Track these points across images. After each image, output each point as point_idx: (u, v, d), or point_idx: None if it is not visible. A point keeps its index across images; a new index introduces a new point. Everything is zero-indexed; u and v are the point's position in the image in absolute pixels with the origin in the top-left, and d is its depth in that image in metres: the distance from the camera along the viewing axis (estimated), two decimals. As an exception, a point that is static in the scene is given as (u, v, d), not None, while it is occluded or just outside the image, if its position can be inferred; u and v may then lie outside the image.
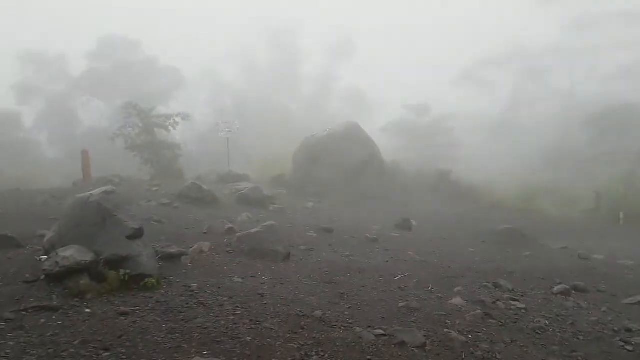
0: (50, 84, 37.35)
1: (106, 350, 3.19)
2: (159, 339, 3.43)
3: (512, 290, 6.14)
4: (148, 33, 43.81)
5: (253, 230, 7.07)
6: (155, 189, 12.52)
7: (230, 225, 8.19)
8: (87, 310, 3.87)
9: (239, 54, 45.29)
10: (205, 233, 7.78)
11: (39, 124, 36.37)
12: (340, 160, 17.68)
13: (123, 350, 3.21)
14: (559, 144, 37.97)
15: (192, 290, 4.58)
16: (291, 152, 20.15)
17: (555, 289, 6.29)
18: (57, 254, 4.31)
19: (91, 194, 4.81)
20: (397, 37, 53.56)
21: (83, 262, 4.25)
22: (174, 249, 5.71)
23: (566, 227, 14.81)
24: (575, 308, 5.64)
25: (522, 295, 5.98)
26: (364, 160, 18.03)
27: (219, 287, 4.80)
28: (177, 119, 17.61)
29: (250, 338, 3.55)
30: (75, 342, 3.27)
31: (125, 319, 3.72)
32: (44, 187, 14.32)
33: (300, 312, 4.26)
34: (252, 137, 35.78)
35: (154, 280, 4.52)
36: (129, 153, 16.80)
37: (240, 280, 5.26)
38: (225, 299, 4.46)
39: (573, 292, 6.27)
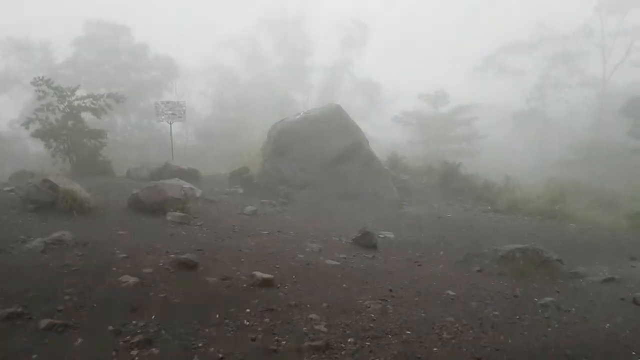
0: (34, 73, 35.21)
1: None
2: None
3: None
4: (145, 23, 41.21)
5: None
6: (7, 189, 9.21)
7: None
8: None
9: (243, 43, 42.18)
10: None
11: (23, 116, 34.24)
12: (316, 151, 14.10)
13: None
14: (592, 136, 33.37)
15: None
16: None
17: None
18: None
19: None
20: (413, 25, 49.31)
21: None
22: None
23: (605, 240, 10.83)
24: None
25: None
26: (346, 151, 14.39)
27: None
28: (108, 101, 14.24)
29: None
30: None
31: None
32: None
33: None
34: (248, 129, 32.61)
35: None
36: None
37: None
38: None
39: None
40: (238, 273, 5.54)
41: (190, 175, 13.89)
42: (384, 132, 36.89)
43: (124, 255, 5.74)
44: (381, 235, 9.46)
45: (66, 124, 13.52)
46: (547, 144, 36.79)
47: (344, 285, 5.64)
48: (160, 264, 5.49)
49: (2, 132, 28.77)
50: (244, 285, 5.14)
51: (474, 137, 34.21)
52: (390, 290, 5.61)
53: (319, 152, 14.16)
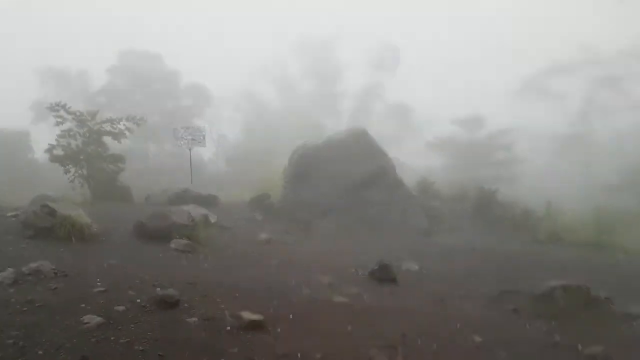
0: (71, 101, 36.48)
1: None
2: None
3: None
4: (176, 51, 42.42)
5: None
6: (10, 214, 8.87)
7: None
8: None
9: (273, 70, 42.54)
10: None
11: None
12: (338, 176, 13.41)
13: None
14: (641, 160, 31.11)
15: None
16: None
17: None
18: None
19: None
20: (447, 46, 48.45)
21: None
22: None
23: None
24: None
25: None
26: (371, 176, 13.62)
27: None
28: (127, 124, 14.06)
29: None
30: None
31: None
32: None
33: None
34: (277, 156, 32.36)
35: None
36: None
37: None
38: None
39: None
40: (226, 312, 4.80)
41: (209, 201, 13.44)
42: (417, 158, 35.88)
43: (103, 289, 5.13)
44: (404, 268, 8.54)
45: (85, 148, 13.42)
46: (592, 168, 34.66)
47: (349, 328, 4.80)
48: (138, 301, 4.84)
49: (38, 159, 29.61)
50: (227, 328, 4.40)
51: (512, 162, 32.59)
52: (404, 335, 4.72)
53: (341, 177, 13.46)
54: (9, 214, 8.87)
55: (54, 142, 13.41)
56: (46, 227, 7.39)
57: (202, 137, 14.84)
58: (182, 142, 14.71)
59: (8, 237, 7.34)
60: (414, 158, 35.71)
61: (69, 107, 13.41)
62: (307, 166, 13.86)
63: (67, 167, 13.14)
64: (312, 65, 40.26)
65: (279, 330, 4.54)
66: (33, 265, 5.56)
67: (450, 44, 48.69)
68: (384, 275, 7.07)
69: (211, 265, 7.33)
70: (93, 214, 10.03)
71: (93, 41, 43.98)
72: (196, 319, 4.52)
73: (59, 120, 13.33)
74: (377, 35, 46.80)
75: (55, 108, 13.26)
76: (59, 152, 13.31)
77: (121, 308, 4.57)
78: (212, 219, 11.19)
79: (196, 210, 10.97)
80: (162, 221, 8.30)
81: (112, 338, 3.91)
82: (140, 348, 3.81)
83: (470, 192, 18.73)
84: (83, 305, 4.57)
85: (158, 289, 5.17)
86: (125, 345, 3.82)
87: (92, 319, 4.16)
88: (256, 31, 51.52)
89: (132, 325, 4.21)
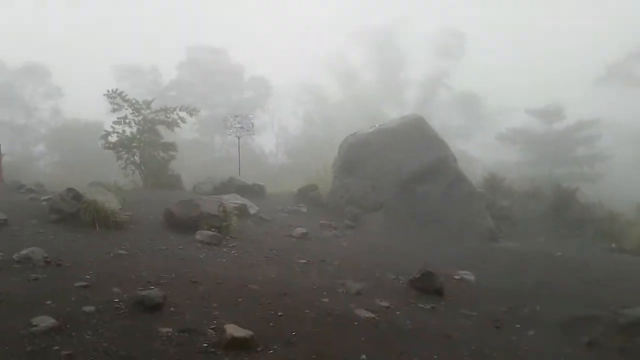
0: (144, 95, 37.94)
1: None
2: None
3: None
4: (241, 44, 42.73)
5: None
6: (44, 197, 8.62)
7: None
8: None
9: (335, 60, 41.62)
10: None
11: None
12: (391, 168, 12.16)
13: None
14: None
15: None
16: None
17: None
18: None
19: None
20: (518, 30, 44.65)
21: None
22: None
23: None
24: None
25: None
26: (427, 168, 12.22)
27: None
28: (181, 113, 13.75)
29: None
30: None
31: None
32: None
33: None
34: (335, 147, 31.48)
35: None
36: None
37: None
38: None
39: None
40: (214, 323, 3.93)
41: (255, 191, 12.82)
42: (486, 152, 33.37)
43: (85, 283, 4.47)
44: (456, 277, 7.25)
45: (139, 136, 13.33)
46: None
47: (363, 356, 3.74)
48: (116, 301, 4.10)
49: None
50: (205, 344, 3.52)
51: (596, 157, 29.21)
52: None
53: (394, 169, 12.20)
54: (43, 198, 8.68)
55: (109, 130, 13.43)
56: (71, 212, 7.01)
57: (250, 125, 14.31)
58: (231, 131, 14.27)
59: (32, 222, 7.01)
60: (483, 152, 33.28)
61: (125, 95, 13.33)
62: (356, 157, 12.74)
63: (120, 153, 13.12)
64: (374, 54, 38.87)
65: (271, 351, 3.60)
66: (23, 252, 5.04)
67: (522, 28, 44.88)
68: (426, 285, 5.87)
69: (231, 261, 6.54)
70: (132, 201, 9.74)
71: (163, 37, 45.54)
72: (171, 329, 3.68)
73: (115, 107, 13.29)
74: (441, 20, 44.16)
75: (112, 95, 13.22)
76: (113, 139, 13.30)
77: (90, 309, 3.85)
78: (252, 209, 10.50)
79: (235, 200, 10.34)
80: (190, 210, 7.66)
81: (54, 348, 3.17)
82: (83, 366, 3.02)
83: (546, 190, 16.70)
84: (49, 302, 3.90)
85: (139, 288, 4.40)
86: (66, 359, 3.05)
87: (44, 322, 3.45)
88: (319, 22, 50.78)
89: (89, 333, 3.46)
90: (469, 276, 7.41)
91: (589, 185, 23.46)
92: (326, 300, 5.04)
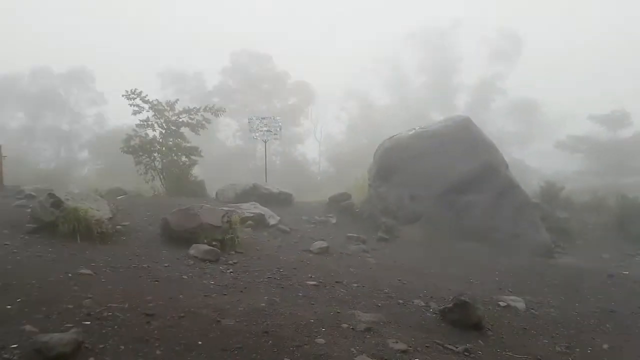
0: (189, 102, 38.61)
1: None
2: None
3: None
4: (287, 51, 42.55)
5: None
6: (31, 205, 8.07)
7: None
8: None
9: (382, 65, 40.54)
10: None
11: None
12: (432, 175, 10.99)
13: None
14: None
15: None
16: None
17: None
18: None
19: None
20: (578, 34, 41.72)
21: None
22: None
23: None
24: None
25: None
26: (474, 175, 10.93)
27: None
28: (206, 115, 13.17)
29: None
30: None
31: None
32: None
33: None
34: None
35: None
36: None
37: None
38: None
39: None
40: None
41: (281, 199, 12.04)
42: (543, 160, 30.98)
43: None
44: (501, 303, 6.02)
45: (163, 140, 12.89)
46: None
47: None
48: (13, 347, 3.18)
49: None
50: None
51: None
52: None
53: (435, 175, 11.02)
54: (31, 205, 8.19)
55: (131, 133, 13.08)
56: (50, 221, 6.34)
57: (278, 129, 13.49)
58: (257, 134, 13.51)
59: (3, 232, 6.41)
60: (540, 160, 30.95)
61: (145, 96, 12.93)
62: (392, 162, 11.67)
63: (139, 158, 12.68)
64: (424, 58, 37.42)
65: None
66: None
67: (582, 32, 41.84)
68: (461, 318, 4.72)
69: (220, 283, 5.47)
70: (142, 208, 9.17)
71: (208, 43, 46.28)
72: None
73: (135, 109, 12.93)
74: (496, 23, 41.89)
75: (131, 96, 12.76)
76: (135, 142, 12.92)
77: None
78: (272, 220, 9.69)
79: (253, 209, 9.59)
80: (188, 221, 6.89)
81: None
82: None
83: (610, 201, 14.90)
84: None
85: (39, 335, 3.38)
86: None
87: None
88: (368, 26, 49.86)
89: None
90: (518, 302, 6.15)
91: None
92: (321, 340, 3.93)
